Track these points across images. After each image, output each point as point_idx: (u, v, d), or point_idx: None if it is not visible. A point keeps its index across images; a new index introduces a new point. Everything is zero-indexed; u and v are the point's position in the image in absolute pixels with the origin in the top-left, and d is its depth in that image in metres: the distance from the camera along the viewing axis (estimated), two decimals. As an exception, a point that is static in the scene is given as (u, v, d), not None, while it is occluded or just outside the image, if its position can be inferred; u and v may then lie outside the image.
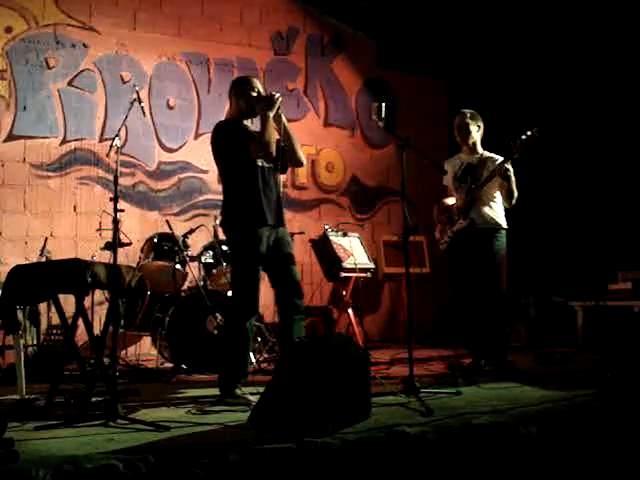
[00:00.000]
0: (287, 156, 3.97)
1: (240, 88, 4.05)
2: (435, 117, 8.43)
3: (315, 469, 2.55)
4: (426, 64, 8.24)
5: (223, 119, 4.12)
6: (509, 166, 4.61)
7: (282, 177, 4.17)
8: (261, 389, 3.12)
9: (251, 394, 3.65)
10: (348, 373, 3.05)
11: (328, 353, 3.03)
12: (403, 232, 4.13)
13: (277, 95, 3.88)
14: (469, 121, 4.86)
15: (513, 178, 4.65)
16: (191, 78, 7.27)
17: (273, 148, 3.83)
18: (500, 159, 4.75)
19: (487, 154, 4.90)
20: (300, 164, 4.18)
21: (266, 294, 4.07)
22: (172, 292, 5.37)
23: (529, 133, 4.56)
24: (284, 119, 3.96)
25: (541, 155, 5.02)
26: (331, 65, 8.09)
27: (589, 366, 4.70)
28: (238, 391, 3.72)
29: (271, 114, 3.86)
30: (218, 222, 4.32)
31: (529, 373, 4.65)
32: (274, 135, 3.87)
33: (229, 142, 3.91)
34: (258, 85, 4.04)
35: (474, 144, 4.91)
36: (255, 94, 3.97)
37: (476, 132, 4.89)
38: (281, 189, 4.08)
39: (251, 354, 5.30)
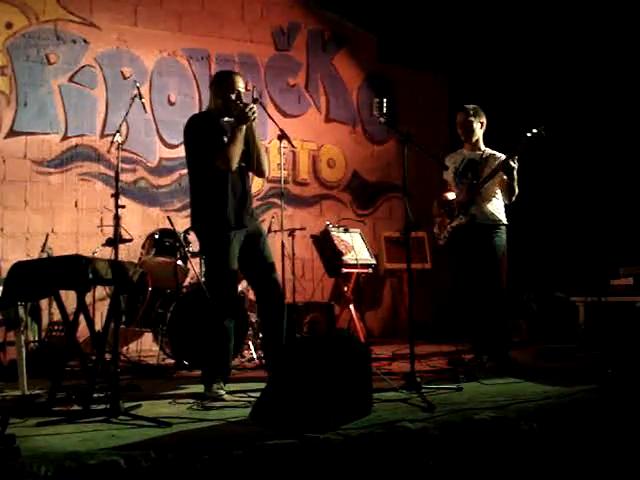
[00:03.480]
0: (251, 164, 4.05)
1: (219, 87, 4.04)
2: (436, 112, 8.42)
3: (317, 465, 2.55)
4: (427, 59, 8.23)
5: (198, 112, 4.13)
6: (514, 163, 4.58)
7: (284, 172, 4.19)
8: (262, 385, 3.13)
9: (252, 390, 3.69)
10: (349, 369, 3.05)
11: (329, 349, 3.03)
12: (404, 228, 4.13)
13: (251, 109, 3.87)
14: (472, 119, 4.84)
15: (516, 176, 4.62)
16: (192, 74, 7.25)
17: (234, 163, 3.86)
18: (502, 156, 4.73)
19: (489, 151, 4.88)
20: (261, 175, 4.22)
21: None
22: (173, 288, 5.37)
23: (535, 131, 4.52)
24: (255, 130, 3.99)
25: (543, 150, 5.01)
26: (332, 60, 8.07)
27: (591, 362, 4.71)
28: (216, 385, 3.77)
29: (244, 127, 3.89)
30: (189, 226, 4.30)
31: (530, 369, 4.64)
32: (239, 150, 3.89)
33: (198, 141, 3.94)
34: (239, 84, 4.01)
35: (477, 141, 4.89)
36: (234, 96, 3.94)
37: (479, 129, 4.87)
38: (250, 186, 4.14)
39: (253, 350, 5.33)
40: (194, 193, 4.04)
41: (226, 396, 3.73)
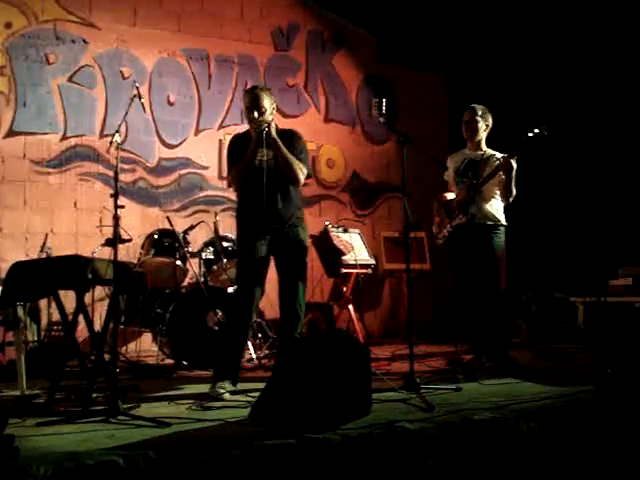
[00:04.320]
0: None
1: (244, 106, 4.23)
2: (435, 112, 8.42)
3: (316, 465, 2.55)
4: (426, 59, 8.22)
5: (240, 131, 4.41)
6: (514, 163, 4.57)
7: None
8: (261, 385, 3.13)
9: (251, 390, 3.69)
10: (349, 369, 3.05)
11: (329, 349, 3.03)
12: (404, 228, 4.13)
13: (258, 124, 4.03)
14: (479, 118, 4.83)
15: (514, 175, 4.62)
16: (191, 74, 7.25)
17: (238, 183, 4.15)
18: (503, 157, 4.72)
19: (490, 151, 4.87)
20: (294, 182, 4.18)
21: (268, 290, 4.17)
22: (172, 288, 5.37)
23: (537, 130, 4.50)
24: (276, 139, 4.05)
25: (542, 151, 5.01)
26: (331, 61, 8.07)
27: (590, 362, 4.71)
28: (219, 384, 3.80)
29: (256, 141, 4.06)
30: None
31: (530, 369, 4.64)
32: (245, 170, 4.06)
33: (227, 160, 4.27)
34: (245, 101, 4.14)
35: (479, 141, 4.88)
36: (249, 120, 4.10)
37: (483, 130, 4.86)
38: (287, 191, 4.14)
39: (252, 350, 5.33)
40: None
41: (226, 396, 3.72)
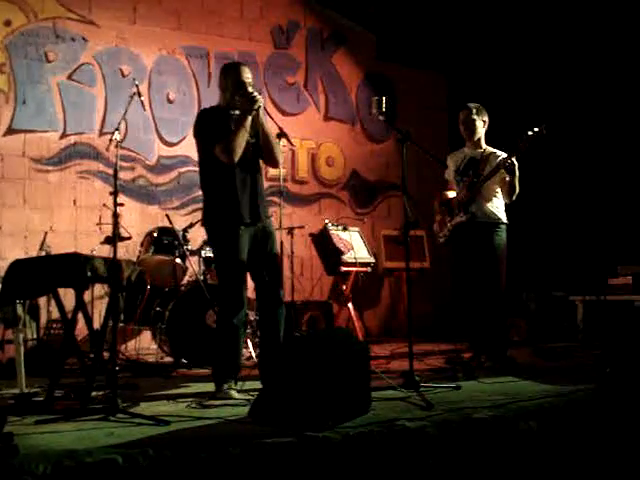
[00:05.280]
0: (263, 155, 3.96)
1: (225, 80, 3.96)
2: (435, 111, 8.42)
3: (315, 463, 2.54)
4: (426, 58, 8.23)
5: (209, 106, 4.09)
6: (515, 161, 4.57)
7: (282, 171, 4.16)
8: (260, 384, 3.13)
9: (250, 390, 3.68)
10: (348, 367, 3.05)
11: (328, 347, 3.03)
12: (403, 226, 4.13)
13: (257, 99, 3.80)
14: (475, 117, 4.82)
15: (517, 173, 4.61)
16: (191, 72, 7.24)
17: (236, 154, 3.77)
18: (503, 155, 4.72)
19: (490, 149, 4.87)
20: (275, 165, 4.11)
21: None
22: (172, 286, 5.37)
23: (536, 129, 4.49)
24: (262, 120, 3.91)
25: (542, 149, 5.00)
26: (331, 59, 8.07)
27: (589, 361, 4.71)
28: (225, 385, 3.73)
29: (249, 118, 3.81)
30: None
31: (529, 368, 4.64)
32: (242, 141, 3.79)
33: (204, 134, 3.91)
34: (244, 74, 3.90)
35: (478, 139, 4.87)
36: (239, 90, 3.85)
37: (481, 128, 4.85)
38: (262, 182, 4.04)
39: (251, 349, 5.32)
40: (204, 189, 3.99)
41: (235, 394, 3.66)
